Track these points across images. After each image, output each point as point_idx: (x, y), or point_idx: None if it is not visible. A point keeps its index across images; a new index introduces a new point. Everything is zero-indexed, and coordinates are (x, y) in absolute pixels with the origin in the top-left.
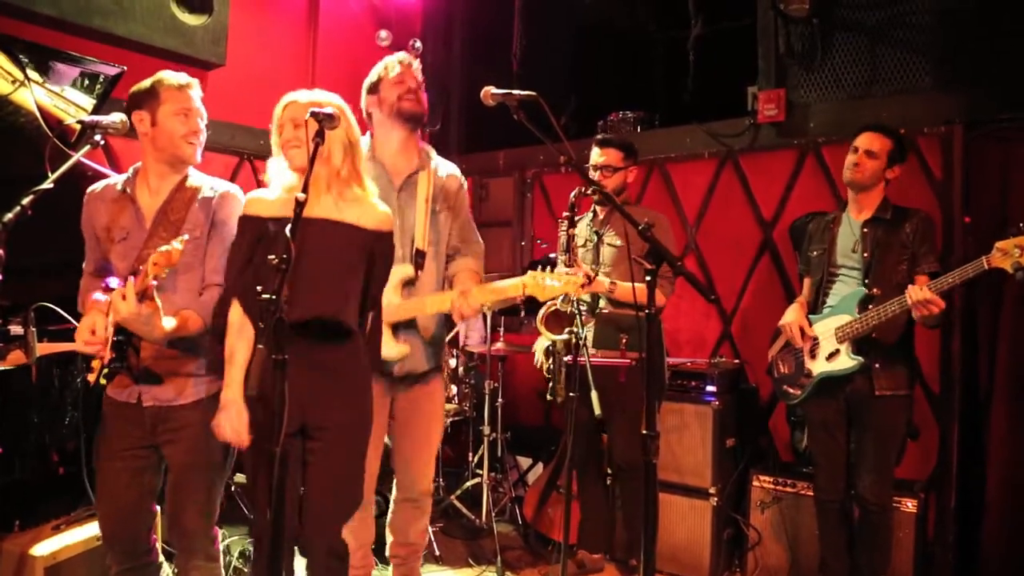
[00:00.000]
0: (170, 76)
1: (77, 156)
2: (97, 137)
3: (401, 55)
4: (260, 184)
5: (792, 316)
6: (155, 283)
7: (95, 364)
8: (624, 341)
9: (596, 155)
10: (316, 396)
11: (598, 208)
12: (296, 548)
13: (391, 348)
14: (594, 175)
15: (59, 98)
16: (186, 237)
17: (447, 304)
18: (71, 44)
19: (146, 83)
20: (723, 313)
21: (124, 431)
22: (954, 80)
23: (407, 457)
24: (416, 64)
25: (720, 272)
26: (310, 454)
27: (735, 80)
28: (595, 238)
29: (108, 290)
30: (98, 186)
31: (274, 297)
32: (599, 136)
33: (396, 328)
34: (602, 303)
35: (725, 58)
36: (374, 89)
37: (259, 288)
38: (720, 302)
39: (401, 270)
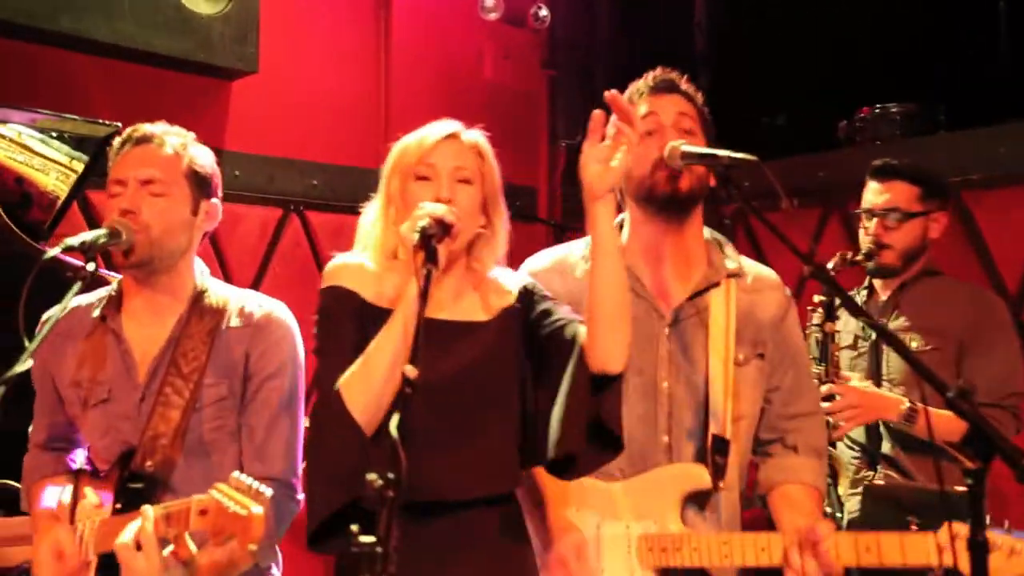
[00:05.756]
0: (127, 132)
1: (51, 253)
2: (91, 267)
3: (658, 76)
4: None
5: None
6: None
7: None
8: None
9: (874, 192)
10: None
11: (876, 284)
12: None
13: None
14: (870, 223)
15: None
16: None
17: (766, 557)
18: (32, 54)
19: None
20: None
21: None
22: None
23: None
24: (692, 92)
25: None
26: None
27: None
28: (872, 335)
29: (69, 473)
30: (55, 312)
31: (392, 477)
32: (879, 162)
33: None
34: (886, 448)
35: None
36: None
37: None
38: None
39: (686, 475)
